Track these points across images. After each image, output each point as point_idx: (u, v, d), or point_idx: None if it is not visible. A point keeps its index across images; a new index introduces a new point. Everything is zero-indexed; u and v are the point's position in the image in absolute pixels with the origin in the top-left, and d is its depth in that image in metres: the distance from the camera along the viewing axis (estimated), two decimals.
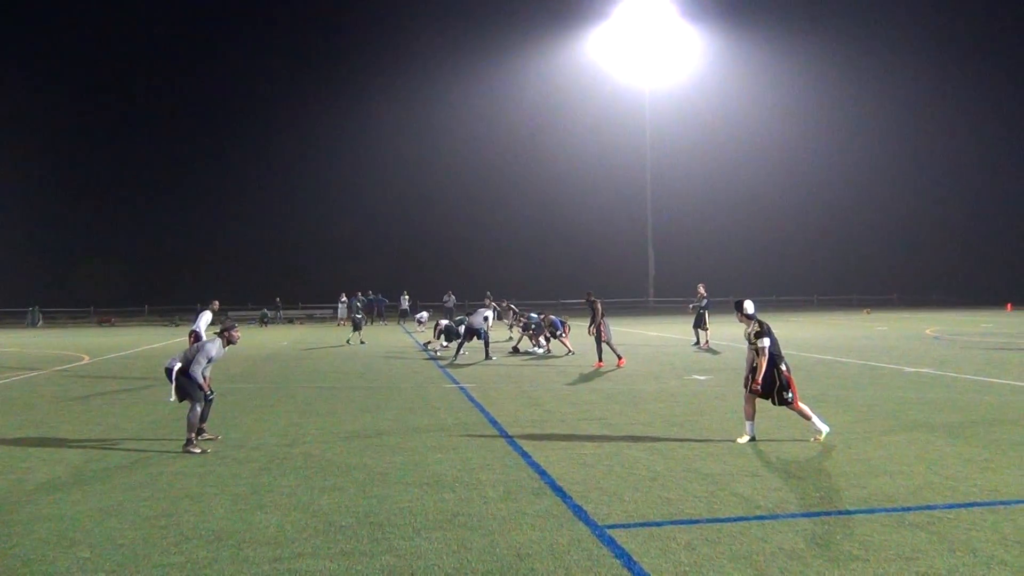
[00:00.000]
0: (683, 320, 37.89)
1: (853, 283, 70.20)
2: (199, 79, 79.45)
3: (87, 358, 23.46)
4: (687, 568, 5.26)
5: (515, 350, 22.96)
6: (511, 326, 29.14)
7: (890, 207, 75.93)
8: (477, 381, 15.95)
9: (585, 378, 16.31)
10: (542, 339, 22.62)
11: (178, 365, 9.39)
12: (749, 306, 9.52)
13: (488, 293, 33.52)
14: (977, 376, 15.50)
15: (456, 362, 19.89)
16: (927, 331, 31.07)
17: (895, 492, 7.04)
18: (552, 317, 22.65)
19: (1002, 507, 6.56)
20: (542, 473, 7.89)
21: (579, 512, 6.55)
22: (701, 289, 24.23)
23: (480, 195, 75.76)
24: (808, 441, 9.19)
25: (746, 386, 9.45)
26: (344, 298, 48.74)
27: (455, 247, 73.89)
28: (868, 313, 52.40)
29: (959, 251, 73.82)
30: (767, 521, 6.27)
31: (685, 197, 73.10)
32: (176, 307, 56.79)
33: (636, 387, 14.65)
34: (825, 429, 9.23)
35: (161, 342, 31.34)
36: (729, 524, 6.20)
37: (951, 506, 6.58)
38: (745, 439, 9.26)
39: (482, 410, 12.10)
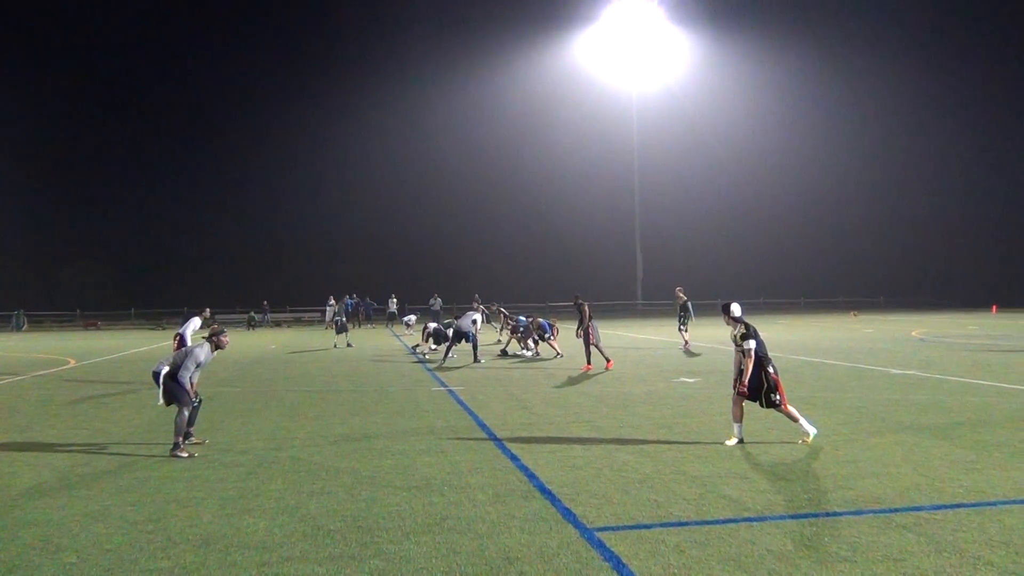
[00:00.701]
0: (672, 323, 38.00)
1: (840, 285, 70.55)
2: (187, 81, 79.28)
3: (73, 362, 23.31)
4: (676, 570, 5.27)
5: (504, 353, 22.97)
6: (500, 329, 29.16)
7: (877, 210, 76.43)
8: (466, 384, 15.94)
9: (573, 381, 16.32)
10: (530, 342, 22.63)
11: (166, 369, 9.35)
12: (736, 309, 9.56)
13: (476, 296, 33.53)
14: (963, 378, 15.59)
15: (444, 365, 19.87)
16: (913, 333, 31.25)
17: (882, 493, 7.07)
18: (540, 320, 22.67)
19: (988, 508, 6.60)
20: (531, 476, 7.89)
21: (568, 515, 6.55)
22: (680, 293, 24.33)
23: (468, 198, 75.78)
24: (796, 443, 9.23)
25: (735, 388, 9.49)
26: (332, 301, 48.66)
27: (442, 250, 73.85)
28: (855, 315, 52.66)
29: (945, 254, 74.29)
30: (755, 523, 6.29)
31: (673, 200, 73.33)
32: (163, 310, 56.54)
33: (624, 390, 14.67)
34: (812, 431, 9.27)
35: (147, 346, 31.17)
36: (718, 526, 6.22)
37: (938, 507, 6.61)
38: (733, 441, 9.29)
39: (471, 413, 12.09)
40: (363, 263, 69.23)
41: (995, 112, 75.90)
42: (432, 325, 24.43)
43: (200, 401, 9.74)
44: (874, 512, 6.52)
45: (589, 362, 18.56)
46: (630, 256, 69.54)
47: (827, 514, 6.51)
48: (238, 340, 33.60)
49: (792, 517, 6.44)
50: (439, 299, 45.73)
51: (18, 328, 50.43)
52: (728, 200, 75.77)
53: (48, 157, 72.07)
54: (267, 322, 51.87)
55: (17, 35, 72.95)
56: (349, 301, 48.93)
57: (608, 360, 18.55)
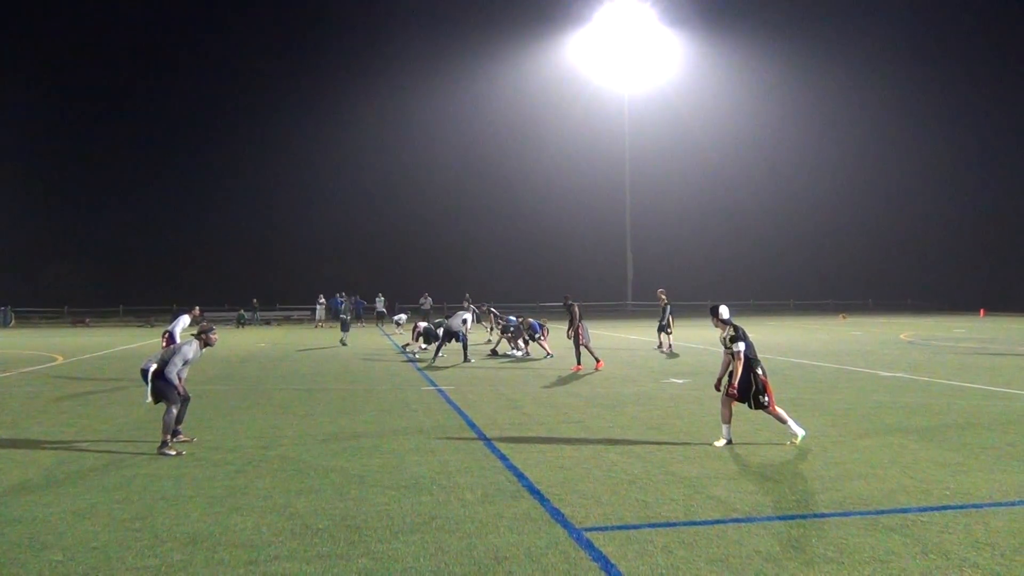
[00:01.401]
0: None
1: (829, 288, 70.85)
2: (176, 77, 78.85)
3: (61, 359, 23.19)
4: (664, 570, 5.28)
5: (494, 352, 22.98)
6: (491, 329, 29.19)
7: (866, 213, 76.76)
8: (455, 383, 15.93)
9: (563, 381, 16.33)
10: (520, 342, 22.65)
11: (154, 366, 9.31)
12: (724, 311, 9.59)
13: (467, 295, 33.55)
14: (950, 380, 15.67)
15: (434, 364, 19.85)
16: (902, 336, 31.40)
17: (869, 495, 7.10)
18: (530, 320, 22.68)
19: (974, 510, 6.64)
20: (520, 476, 7.89)
21: (557, 515, 6.55)
22: (662, 295, 24.33)
23: (459, 197, 75.78)
24: (784, 445, 9.26)
25: (718, 388, 9.53)
26: (322, 299, 48.56)
27: (433, 249, 73.76)
28: (844, 318, 52.87)
29: (934, 258, 74.64)
30: (743, 524, 6.30)
31: (663, 201, 73.48)
32: (152, 308, 56.30)
33: (614, 390, 14.69)
34: (801, 433, 9.31)
35: (136, 343, 31.03)
36: (706, 527, 6.24)
37: (924, 509, 6.65)
38: (722, 442, 9.32)
39: (460, 413, 12.09)
40: (353, 262, 69.12)
41: (984, 116, 76.43)
42: (422, 324, 24.44)
43: (188, 398, 9.71)
44: (861, 514, 6.55)
45: (579, 362, 18.57)
46: (620, 257, 69.66)
47: (814, 515, 6.53)
48: (227, 338, 33.49)
49: (780, 518, 6.46)
50: (429, 298, 45.71)
51: (5, 324, 50.14)
52: (719, 202, 76.03)
53: (37, 153, 71.70)
54: (256, 320, 51.73)
55: (2, 31, 72.55)
56: (339, 300, 48.84)
57: (598, 361, 18.57)
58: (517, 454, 8.93)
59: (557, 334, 23.68)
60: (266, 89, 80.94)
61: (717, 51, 71.16)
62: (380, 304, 46.42)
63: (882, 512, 6.58)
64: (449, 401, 13.39)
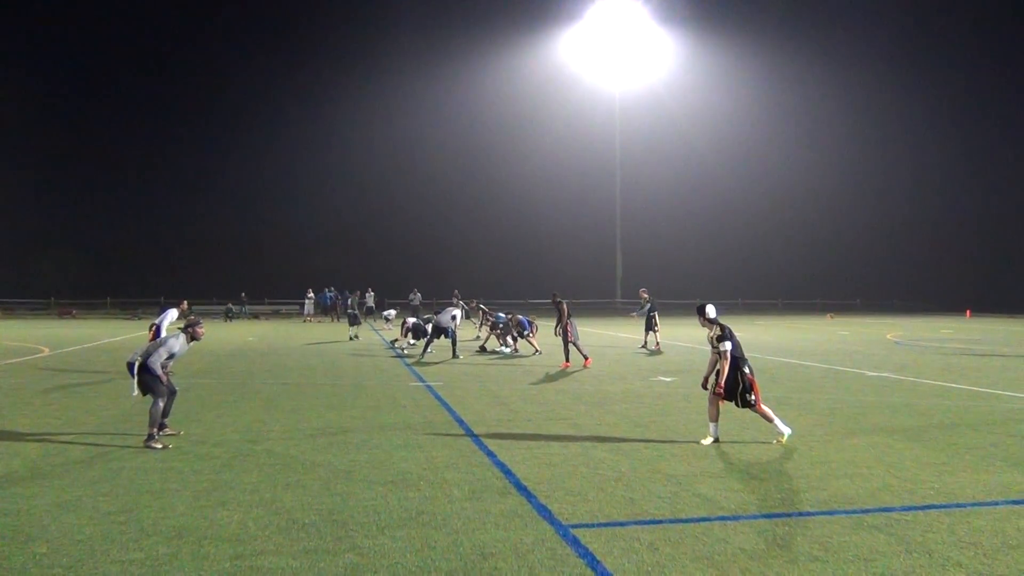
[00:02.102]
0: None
1: (817, 288, 71.08)
2: (165, 70, 78.41)
3: (47, 350, 23.05)
4: (650, 568, 5.30)
5: (482, 349, 23.00)
6: (480, 325, 29.26)
7: (855, 213, 77.00)
8: (444, 379, 15.93)
9: (551, 378, 16.35)
10: (509, 339, 22.67)
11: (140, 360, 9.27)
12: (711, 310, 9.63)
13: (456, 292, 33.51)
14: (936, 381, 15.77)
15: (423, 360, 19.83)
16: (889, 336, 31.56)
17: (854, 494, 7.14)
18: (519, 317, 22.69)
19: (958, 509, 6.69)
20: (507, 472, 7.90)
21: (544, 512, 6.57)
22: (644, 294, 24.45)
23: (448, 194, 75.59)
24: (770, 443, 9.30)
25: (705, 386, 9.57)
26: (311, 294, 48.44)
27: (422, 245, 73.58)
28: (831, 318, 53.10)
29: (921, 258, 75.01)
30: (729, 522, 6.33)
31: (653, 199, 73.57)
32: (139, 300, 55.99)
33: (602, 388, 14.71)
34: (787, 431, 9.35)
35: (123, 335, 30.88)
36: (692, 524, 6.26)
37: (908, 508, 6.69)
38: (709, 440, 9.35)
39: (448, 409, 12.09)
40: (342, 256, 68.90)
41: (972, 117, 76.83)
42: (411, 320, 24.42)
43: (175, 391, 9.67)
44: (846, 512, 6.59)
45: (568, 359, 18.62)
46: (610, 254, 69.70)
47: (800, 514, 6.57)
48: (215, 332, 33.37)
49: (765, 516, 6.49)
50: (418, 294, 45.63)
51: None
52: (708, 200, 76.07)
53: (23, 144, 71.16)
54: (244, 314, 51.57)
55: None
56: (328, 294, 48.76)
57: (586, 358, 18.62)
58: (504, 451, 8.94)
59: (546, 330, 23.69)
60: (255, 83, 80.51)
61: (708, 50, 71.21)
62: (370, 299, 46.36)
63: (867, 511, 6.62)
64: (437, 397, 13.39)
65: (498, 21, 73.76)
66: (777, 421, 9.34)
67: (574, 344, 18.71)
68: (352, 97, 73.14)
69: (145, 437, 9.16)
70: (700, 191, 75.74)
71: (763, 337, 30.61)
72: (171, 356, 9.42)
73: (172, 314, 17.00)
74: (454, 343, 20.64)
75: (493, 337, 23.91)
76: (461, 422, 10.87)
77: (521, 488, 7.30)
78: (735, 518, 6.44)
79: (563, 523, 6.25)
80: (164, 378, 9.35)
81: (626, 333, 32.74)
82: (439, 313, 21.54)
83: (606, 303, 66.55)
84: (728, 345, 9.19)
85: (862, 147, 77.85)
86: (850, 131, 77.05)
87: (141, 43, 77.41)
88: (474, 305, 29.36)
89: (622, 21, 66.28)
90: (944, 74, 76.61)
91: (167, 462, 8.32)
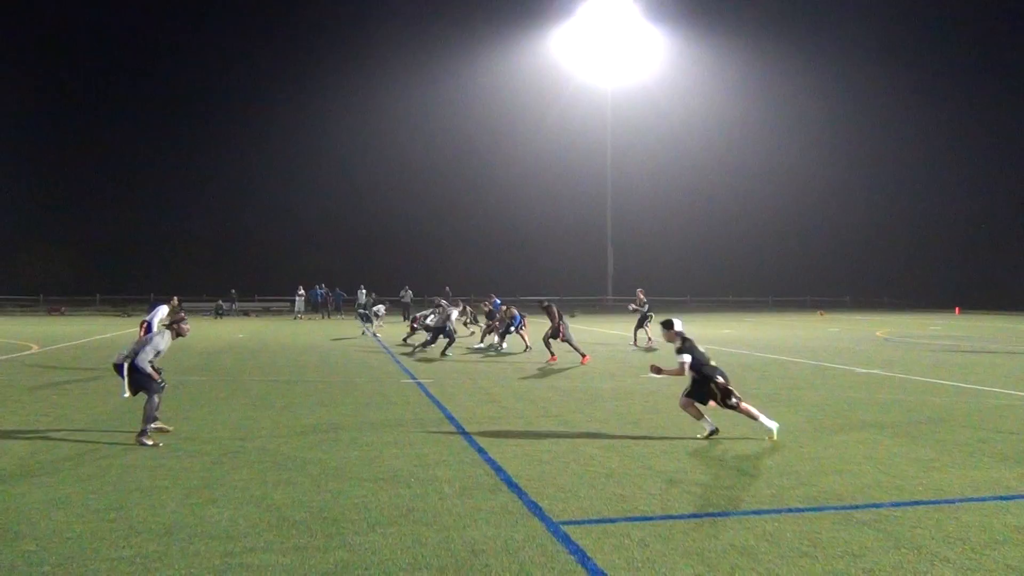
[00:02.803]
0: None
1: (807, 285, 71.32)
2: (154, 65, 78.05)
3: (36, 347, 22.95)
4: (640, 564, 5.31)
5: (481, 344, 23.28)
6: (466, 323, 29.47)
7: (845, 211, 77.36)
8: (434, 377, 15.92)
9: (542, 375, 16.37)
10: (496, 337, 22.84)
11: (127, 361, 9.22)
12: (677, 324, 9.87)
13: (447, 289, 33.54)
14: (925, 377, 15.85)
15: (415, 356, 19.83)
16: (878, 333, 31.69)
17: (844, 490, 7.18)
18: (514, 310, 22.84)
19: (946, 505, 6.72)
20: (498, 469, 7.91)
21: (534, 508, 6.57)
22: (640, 295, 24.66)
23: (440, 191, 75.59)
24: (761, 440, 9.33)
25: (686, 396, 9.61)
26: (301, 291, 48.33)
27: (413, 242, 73.55)
28: (821, 315, 53.30)
29: (911, 256, 75.39)
30: (719, 518, 6.35)
31: (644, 196, 73.68)
32: (129, 297, 55.80)
33: (593, 385, 14.74)
34: (774, 426, 9.37)
35: (112, 332, 30.76)
36: (682, 521, 6.28)
37: (897, 504, 6.73)
38: (706, 432, 9.37)
39: (439, 406, 12.09)
40: (334, 254, 68.81)
41: (959, 114, 77.07)
42: (429, 317, 24.44)
43: (165, 385, 9.62)
44: (835, 508, 6.61)
45: (553, 354, 18.86)
46: (601, 251, 69.76)
47: (789, 510, 6.59)
48: (206, 329, 33.29)
49: (755, 512, 6.51)
50: (409, 291, 45.60)
51: None
52: (699, 198, 76.32)
53: (13, 142, 70.75)
54: (235, 311, 51.41)
55: None
56: (318, 291, 48.67)
57: (583, 355, 18.69)
58: (495, 448, 8.94)
59: (536, 328, 23.69)
60: (245, 79, 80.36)
61: (699, 47, 71.35)
62: (362, 296, 46.32)
63: (856, 507, 6.65)
64: (428, 394, 13.38)
65: (489, 18, 73.87)
66: (762, 418, 9.36)
67: (569, 343, 18.86)
68: (343, 94, 73.08)
69: (138, 432, 9.12)
70: (691, 188, 75.97)
71: (753, 334, 30.70)
72: (157, 353, 9.38)
73: (163, 310, 16.90)
74: (450, 344, 20.66)
75: (486, 330, 24.06)
76: (452, 419, 10.87)
77: (512, 485, 7.31)
78: (725, 514, 6.46)
79: (554, 520, 6.26)
80: (157, 375, 9.31)
81: (616, 330, 32.79)
82: (437, 313, 21.72)
83: (597, 300, 66.62)
84: (686, 358, 9.36)
85: (852, 145, 78.26)
86: (840, 129, 77.40)
87: (127, 40, 77.12)
88: (462, 307, 29.46)
89: (613, 18, 66.28)
90: (934, 73, 76.99)
91: (157, 459, 8.29)
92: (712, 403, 9.37)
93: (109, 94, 77.43)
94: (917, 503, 6.78)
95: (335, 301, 48.72)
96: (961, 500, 6.89)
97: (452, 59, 72.07)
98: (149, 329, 16.14)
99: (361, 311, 31.22)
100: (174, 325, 9.63)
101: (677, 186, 75.33)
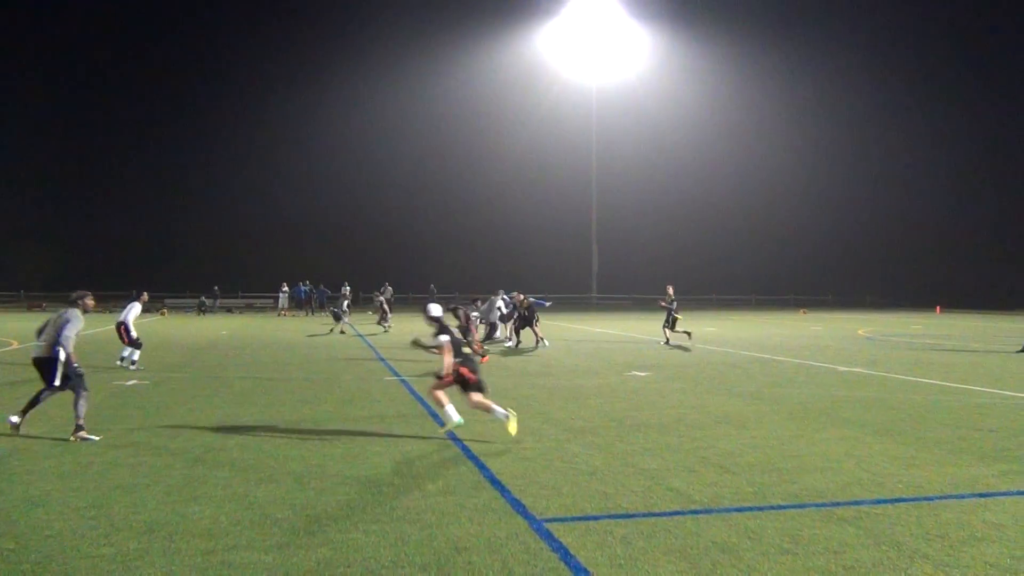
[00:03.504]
0: (625, 316, 38.13)
1: (790, 284, 71.74)
2: (139, 61, 77.43)
3: (16, 343, 22.74)
4: (623, 561, 5.33)
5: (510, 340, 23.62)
6: (481, 321, 29.67)
7: (828, 211, 77.74)
8: (418, 374, 15.89)
9: (526, 373, 16.37)
10: (497, 333, 23.51)
11: (62, 353, 9.18)
12: (433, 309, 10.13)
13: (432, 287, 33.45)
14: (906, 376, 15.97)
15: (404, 355, 19.80)
16: (860, 332, 31.90)
17: (825, 488, 7.22)
18: (531, 299, 23.45)
19: (926, 502, 6.78)
20: (481, 467, 7.90)
21: (517, 506, 6.57)
22: (670, 290, 24.34)
23: (424, 188, 75.46)
24: (743, 438, 9.37)
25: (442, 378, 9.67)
26: (285, 288, 48.12)
27: (396, 239, 73.32)
28: (804, 313, 53.61)
29: (892, 255, 75.95)
30: (701, 515, 6.38)
31: (629, 194, 73.81)
32: (110, 294, 55.30)
33: (576, 382, 14.76)
34: (457, 419, 9.38)
35: (93, 328, 30.51)
36: (664, 518, 6.30)
37: (878, 501, 6.77)
38: (454, 423, 9.38)
39: (422, 403, 12.07)
40: (317, 250, 68.53)
41: (946, 116, 77.70)
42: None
43: (82, 372, 9.57)
44: (816, 506, 6.65)
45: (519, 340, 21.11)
46: (586, 249, 69.86)
47: (771, 507, 6.63)
48: (188, 325, 33.09)
49: (737, 510, 6.55)
50: (390, 288, 45.42)
51: None
52: (683, 196, 76.46)
53: None
54: (217, 307, 51.13)
55: None
56: (302, 288, 48.47)
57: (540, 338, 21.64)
58: (478, 445, 8.94)
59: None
60: (229, 77, 79.85)
61: (684, 45, 71.58)
62: (347, 292, 46.13)
63: (837, 504, 6.69)
64: (411, 392, 13.36)
65: (475, 16, 73.50)
66: (448, 407, 9.37)
67: (532, 329, 21.87)
68: (327, 91, 72.82)
69: (75, 429, 9.08)
70: (675, 186, 76.13)
71: (736, 332, 30.83)
72: (77, 333, 9.43)
73: (136, 308, 16.85)
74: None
75: (504, 327, 24.15)
76: (435, 416, 10.84)
77: (495, 482, 7.31)
78: (707, 511, 6.49)
79: (537, 517, 6.27)
80: (78, 365, 9.33)
81: (601, 328, 32.85)
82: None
83: (582, 298, 66.71)
84: (444, 338, 9.51)
85: (835, 145, 78.64)
86: (822, 128, 77.80)
87: (115, 37, 76.36)
88: (452, 307, 29.46)
89: (598, 16, 66.38)
90: (918, 73, 77.55)
91: (138, 457, 8.24)
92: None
93: (91, 91, 76.73)
94: (898, 500, 6.83)
95: (319, 298, 48.52)
96: (941, 497, 6.95)
97: (437, 57, 71.90)
98: (126, 329, 16.12)
99: (332, 309, 31.08)
100: (79, 302, 9.76)
101: (662, 184, 75.55)
